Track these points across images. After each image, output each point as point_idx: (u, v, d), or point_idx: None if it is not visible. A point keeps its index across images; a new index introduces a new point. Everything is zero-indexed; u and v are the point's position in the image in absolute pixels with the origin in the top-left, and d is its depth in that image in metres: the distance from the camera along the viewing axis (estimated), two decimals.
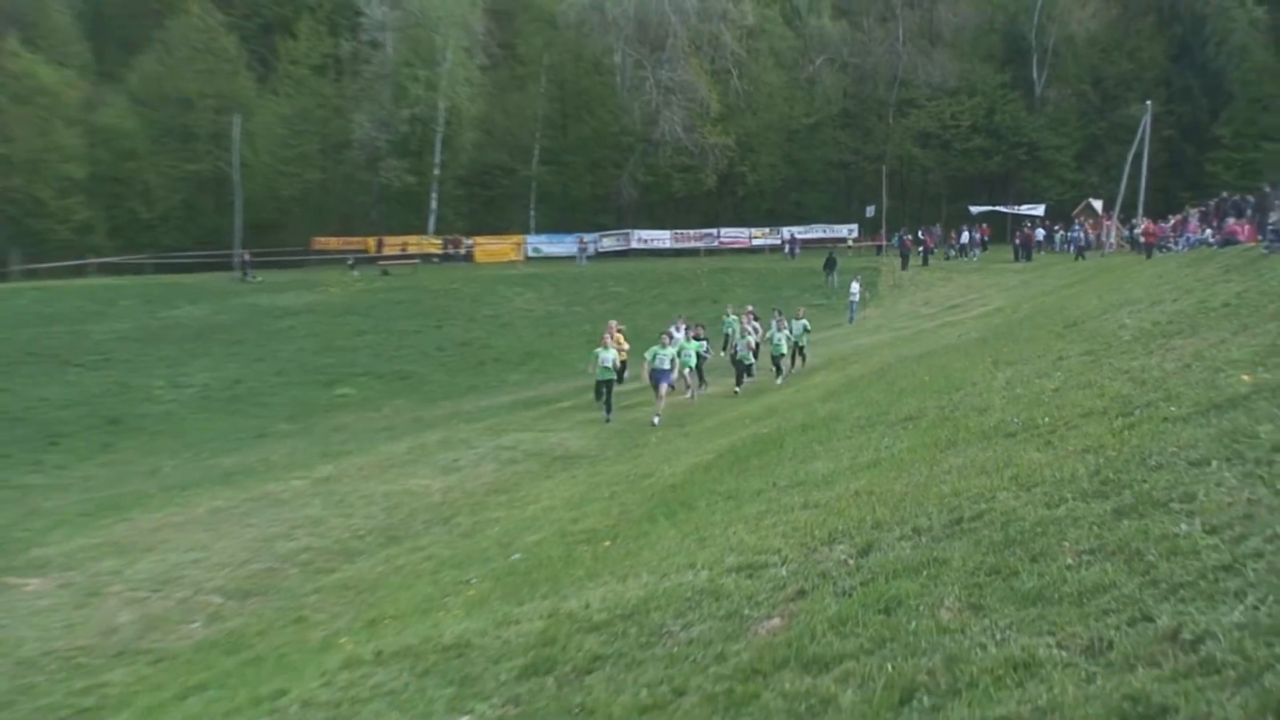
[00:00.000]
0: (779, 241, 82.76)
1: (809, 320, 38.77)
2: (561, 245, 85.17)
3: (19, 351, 54.96)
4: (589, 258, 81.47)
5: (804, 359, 37.33)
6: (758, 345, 35.59)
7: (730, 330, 39.46)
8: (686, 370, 31.87)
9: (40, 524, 19.94)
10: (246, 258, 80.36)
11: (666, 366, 29.34)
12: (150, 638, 13.18)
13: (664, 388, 28.94)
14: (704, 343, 36.11)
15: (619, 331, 34.58)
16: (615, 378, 31.10)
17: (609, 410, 29.20)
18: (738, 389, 33.42)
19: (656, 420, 27.49)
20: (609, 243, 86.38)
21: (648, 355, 29.87)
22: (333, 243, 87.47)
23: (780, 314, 38.13)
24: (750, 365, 34.66)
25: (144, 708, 10.16)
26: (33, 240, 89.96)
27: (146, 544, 16.80)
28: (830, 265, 68.62)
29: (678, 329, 35.71)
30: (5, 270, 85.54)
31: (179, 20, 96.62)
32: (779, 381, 33.28)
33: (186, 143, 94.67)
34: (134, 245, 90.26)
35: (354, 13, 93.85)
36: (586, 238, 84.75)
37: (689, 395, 32.26)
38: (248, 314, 61.88)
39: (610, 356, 30.19)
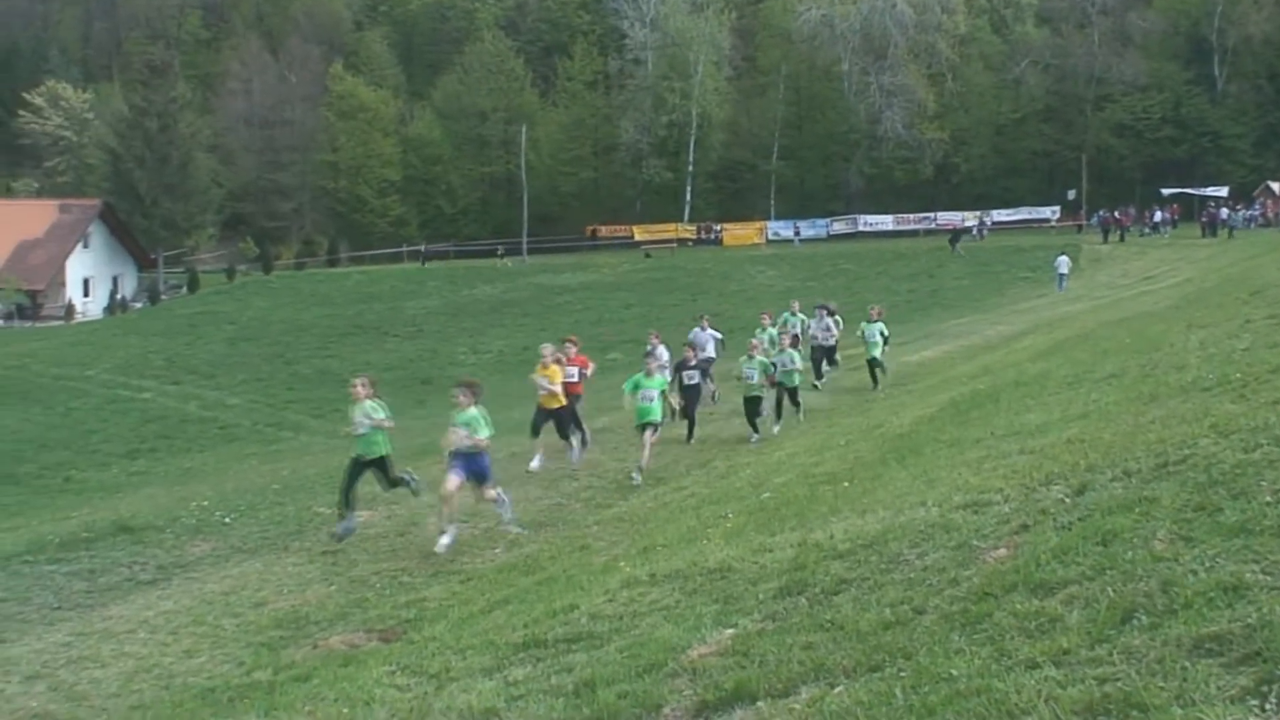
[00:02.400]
0: (970, 224, 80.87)
1: (884, 324, 27.86)
2: (799, 228, 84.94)
3: (347, 324, 56.91)
4: (802, 240, 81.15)
5: (881, 371, 26.61)
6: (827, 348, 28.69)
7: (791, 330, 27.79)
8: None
9: None
10: (423, 248, 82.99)
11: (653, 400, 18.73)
12: (460, 561, 13.47)
13: (648, 433, 18.28)
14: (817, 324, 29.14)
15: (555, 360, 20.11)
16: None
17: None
18: (816, 384, 27.09)
19: (637, 478, 17.53)
20: (839, 226, 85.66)
21: (626, 387, 19.35)
22: (604, 231, 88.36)
23: (826, 311, 29.26)
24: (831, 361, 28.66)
25: (457, 618, 10.37)
26: (357, 232, 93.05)
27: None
28: (955, 239, 69.89)
29: (663, 346, 24.70)
30: (335, 257, 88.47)
31: (475, 46, 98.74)
32: (813, 390, 25.65)
33: (482, 149, 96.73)
34: (440, 235, 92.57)
35: (620, 35, 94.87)
36: (800, 224, 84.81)
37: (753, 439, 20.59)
38: (533, 292, 62.97)
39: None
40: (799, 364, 22.22)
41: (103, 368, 50.71)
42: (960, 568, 6.70)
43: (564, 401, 19.14)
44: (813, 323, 29.17)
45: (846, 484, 11.97)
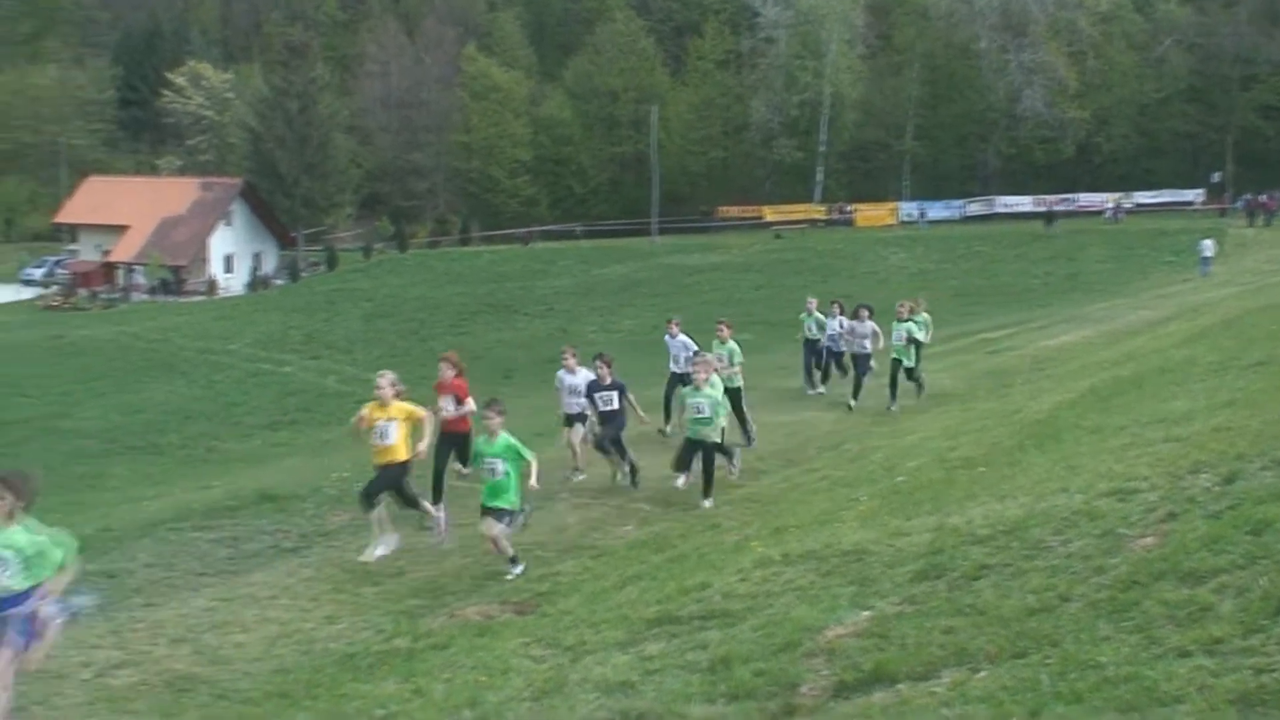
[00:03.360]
0: (1107, 207, 79.24)
1: (924, 318, 23.95)
2: (932, 211, 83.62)
3: (478, 303, 57.51)
4: (928, 223, 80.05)
5: (918, 386, 22.47)
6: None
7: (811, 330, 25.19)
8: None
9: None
10: (528, 230, 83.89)
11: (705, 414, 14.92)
12: (592, 536, 13.57)
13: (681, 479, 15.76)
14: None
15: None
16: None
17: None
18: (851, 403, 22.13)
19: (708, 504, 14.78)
20: (974, 207, 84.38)
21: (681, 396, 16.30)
22: (733, 211, 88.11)
23: (840, 308, 24.96)
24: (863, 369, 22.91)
25: (590, 593, 10.45)
26: (489, 212, 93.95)
27: (588, 460, 17.29)
28: (1050, 220, 71.01)
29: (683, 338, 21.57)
30: (467, 235, 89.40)
31: (607, 26, 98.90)
32: (892, 407, 21.75)
33: (612, 129, 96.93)
34: (570, 215, 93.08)
35: (752, 14, 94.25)
36: (934, 205, 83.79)
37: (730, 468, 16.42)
38: (663, 272, 63.02)
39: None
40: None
41: (244, 342, 51.88)
42: (1106, 555, 6.58)
43: (401, 455, 13.09)
44: (830, 323, 24.35)
45: (983, 469, 11.81)
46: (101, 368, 47.11)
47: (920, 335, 22.29)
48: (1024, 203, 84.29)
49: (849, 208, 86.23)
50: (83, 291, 79.68)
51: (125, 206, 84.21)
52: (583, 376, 16.76)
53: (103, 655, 10.13)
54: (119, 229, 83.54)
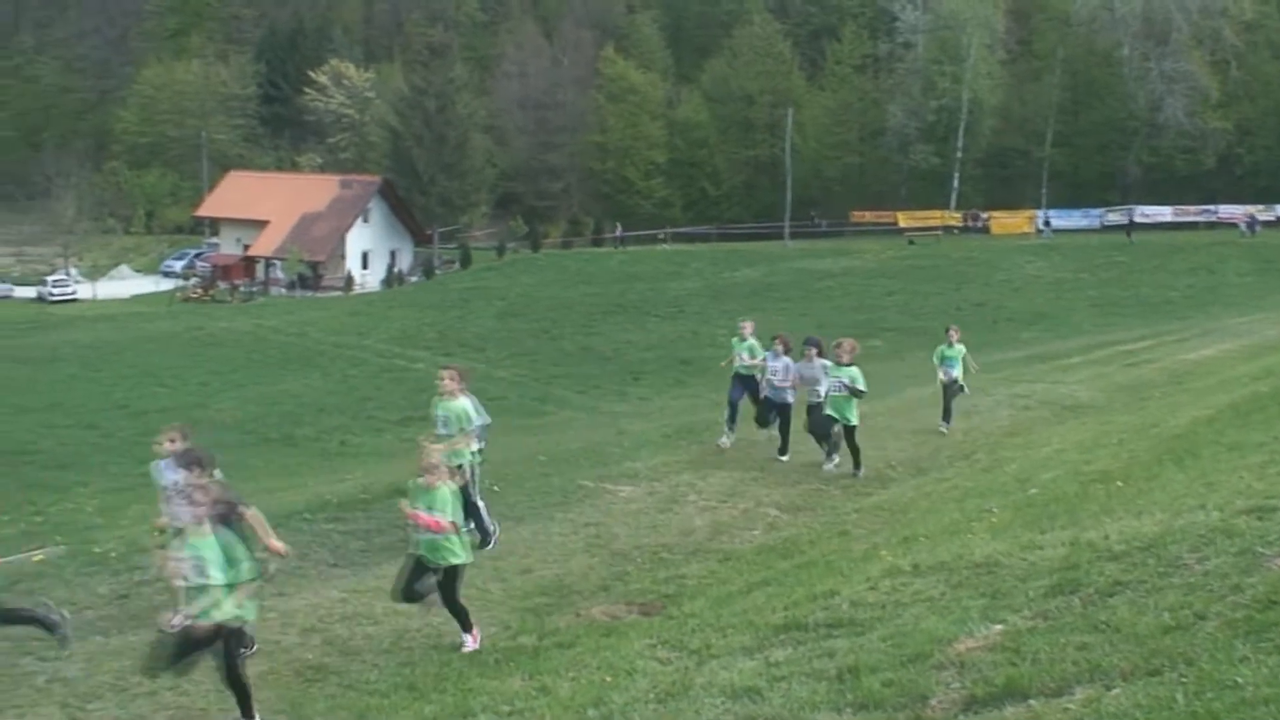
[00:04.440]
0: (1242, 220, 77.16)
1: (958, 350, 21.53)
2: (1070, 219, 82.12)
3: (609, 303, 57.77)
4: (1053, 232, 78.50)
5: (855, 457, 17.11)
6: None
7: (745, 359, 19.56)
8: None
9: (628, 443, 20.87)
10: (619, 232, 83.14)
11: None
12: (719, 540, 13.58)
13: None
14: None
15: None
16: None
17: None
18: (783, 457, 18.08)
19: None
20: (1113, 217, 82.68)
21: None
22: (867, 216, 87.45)
23: (815, 349, 18.41)
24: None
25: (716, 596, 10.47)
26: (622, 213, 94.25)
27: (716, 463, 17.36)
28: (1129, 229, 71.77)
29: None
30: (600, 236, 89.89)
31: (744, 29, 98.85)
32: (828, 467, 17.27)
33: (747, 132, 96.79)
34: (703, 218, 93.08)
35: (890, 18, 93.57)
36: (1051, 214, 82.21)
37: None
38: (794, 276, 62.76)
39: None
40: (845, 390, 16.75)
41: (379, 337, 52.74)
42: (1244, 574, 6.43)
43: None
44: (772, 363, 18.62)
45: (1120, 483, 11.59)
46: (239, 360, 48.21)
47: (862, 385, 16.97)
48: (1164, 213, 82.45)
49: (985, 215, 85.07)
50: (222, 284, 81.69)
51: (266, 202, 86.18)
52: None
53: None
54: (259, 224, 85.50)
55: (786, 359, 18.44)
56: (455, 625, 10.29)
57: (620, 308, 57.03)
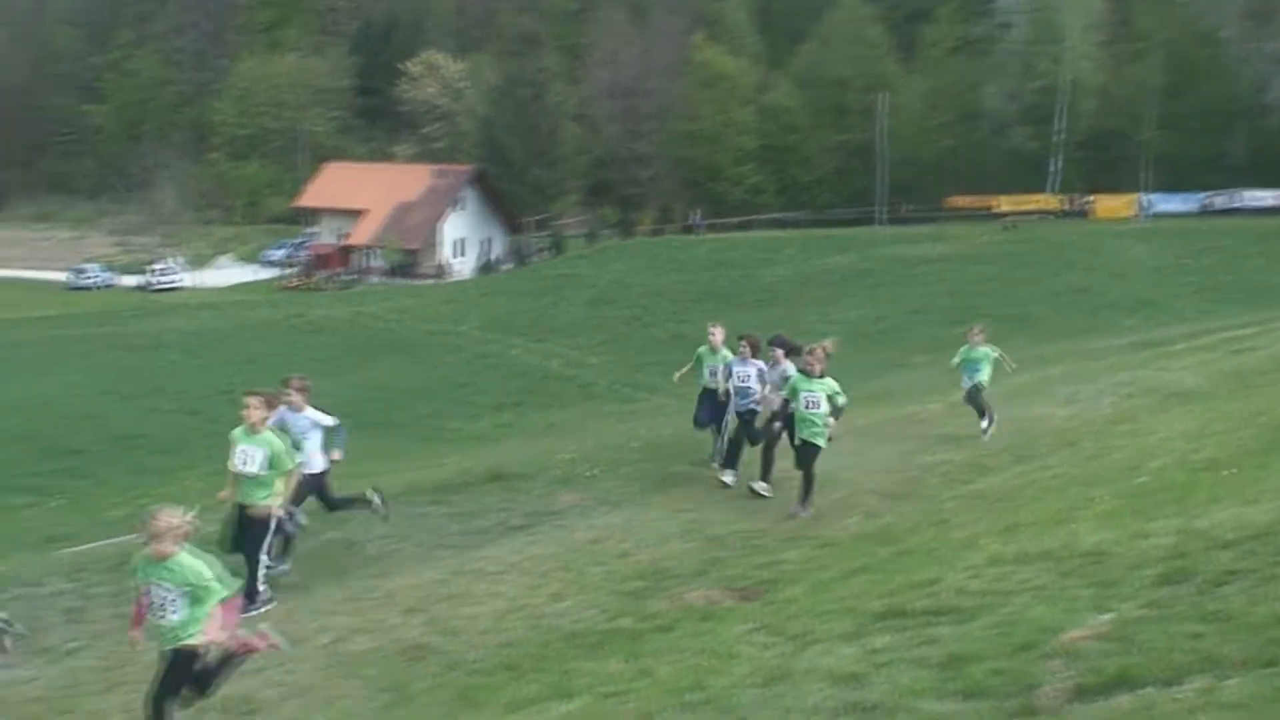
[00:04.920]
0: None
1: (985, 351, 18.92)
2: (1172, 203, 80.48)
3: (699, 291, 57.69)
4: (1149, 215, 76.91)
5: (805, 487, 14.25)
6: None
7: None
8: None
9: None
10: (696, 219, 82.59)
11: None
12: (817, 526, 13.50)
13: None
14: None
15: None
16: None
17: None
18: (726, 478, 15.63)
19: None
20: (1218, 200, 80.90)
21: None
22: (962, 200, 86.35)
23: (782, 349, 16.17)
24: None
25: (814, 583, 10.41)
26: (712, 199, 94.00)
27: None
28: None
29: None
30: (691, 224, 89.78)
31: (836, 13, 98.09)
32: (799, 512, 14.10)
33: (840, 117, 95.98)
34: (794, 204, 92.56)
35: (986, 0, 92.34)
36: (1149, 197, 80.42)
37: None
38: (888, 263, 62.19)
39: None
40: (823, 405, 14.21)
41: (472, 324, 53.11)
42: None
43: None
44: (740, 368, 16.05)
45: (1229, 472, 11.34)
46: (337, 347, 48.80)
47: (844, 399, 14.51)
48: (1269, 197, 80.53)
49: (1085, 199, 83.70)
50: (321, 273, 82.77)
51: (362, 191, 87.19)
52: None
53: (340, 622, 10.54)
54: (356, 213, 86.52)
55: (759, 363, 15.88)
56: (560, 605, 10.40)
57: (711, 295, 56.88)
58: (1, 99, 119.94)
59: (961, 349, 19.03)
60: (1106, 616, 6.50)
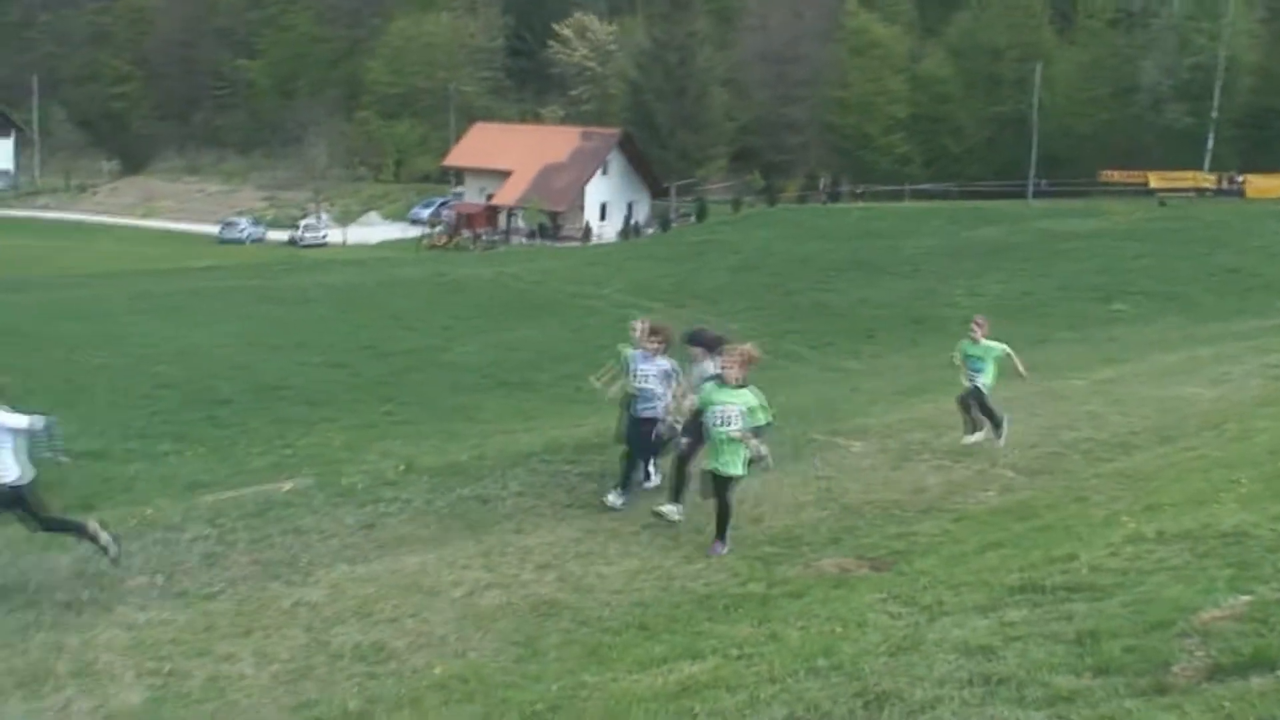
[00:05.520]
0: None
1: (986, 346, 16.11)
2: None
3: (845, 260, 57.25)
4: None
5: (722, 516, 11.65)
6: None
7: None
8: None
9: (860, 400, 20.80)
10: (826, 184, 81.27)
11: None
12: (952, 499, 13.40)
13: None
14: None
15: None
16: None
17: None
18: (615, 499, 13.26)
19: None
20: None
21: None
22: (1116, 175, 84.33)
23: (701, 348, 13.63)
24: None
25: (948, 555, 10.36)
26: (860, 168, 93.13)
27: (948, 422, 17.07)
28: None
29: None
30: (837, 191, 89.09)
31: None
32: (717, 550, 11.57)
33: (993, 87, 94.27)
34: (943, 174, 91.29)
35: None
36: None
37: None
38: (1036, 236, 61.07)
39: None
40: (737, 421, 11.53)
41: (615, 288, 53.35)
42: None
43: None
44: (637, 360, 13.67)
45: None
46: (480, 306, 49.39)
47: (765, 418, 11.63)
48: None
49: (1239, 177, 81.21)
50: (466, 233, 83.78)
51: (510, 152, 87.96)
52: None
53: (473, 576, 10.74)
54: (502, 174, 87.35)
55: (666, 362, 13.21)
56: (691, 568, 10.48)
57: (855, 264, 56.41)
58: (159, 53, 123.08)
59: (961, 343, 16.29)
60: (1244, 598, 6.41)
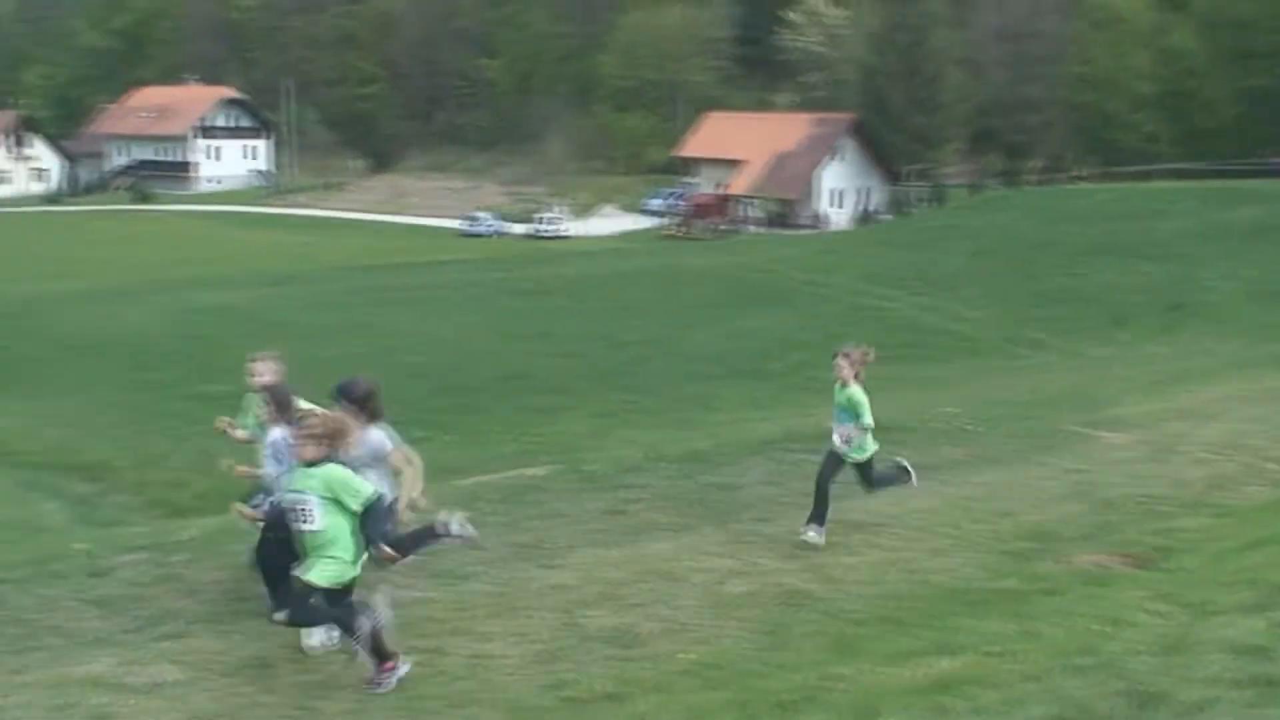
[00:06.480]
0: None
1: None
2: None
3: (1090, 243, 55.47)
4: None
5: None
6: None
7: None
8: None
9: (1113, 389, 20.10)
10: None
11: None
12: (1215, 494, 12.87)
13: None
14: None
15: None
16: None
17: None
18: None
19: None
20: None
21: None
22: None
23: (353, 403, 9.11)
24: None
25: (1213, 552, 9.96)
26: (1105, 148, 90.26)
27: (1210, 412, 16.44)
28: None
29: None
30: (1080, 174, 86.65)
31: None
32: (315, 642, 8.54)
33: (1244, 60, 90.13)
34: (1193, 153, 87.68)
35: None
36: None
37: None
38: None
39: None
40: None
41: (848, 275, 52.81)
42: None
43: None
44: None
45: None
46: (712, 295, 49.51)
47: (354, 503, 7.82)
48: None
49: None
50: (700, 222, 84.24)
51: (741, 141, 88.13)
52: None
53: (718, 564, 10.74)
54: (734, 163, 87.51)
55: (279, 432, 8.98)
56: (940, 561, 10.25)
57: (1102, 247, 54.53)
58: (403, 54, 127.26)
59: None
60: None
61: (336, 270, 61.79)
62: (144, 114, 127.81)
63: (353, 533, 7.86)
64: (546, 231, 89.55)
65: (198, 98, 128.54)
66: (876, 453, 11.76)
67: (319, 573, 7.78)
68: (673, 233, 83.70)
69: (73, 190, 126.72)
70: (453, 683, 8.09)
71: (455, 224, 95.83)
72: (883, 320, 43.77)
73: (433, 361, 35.47)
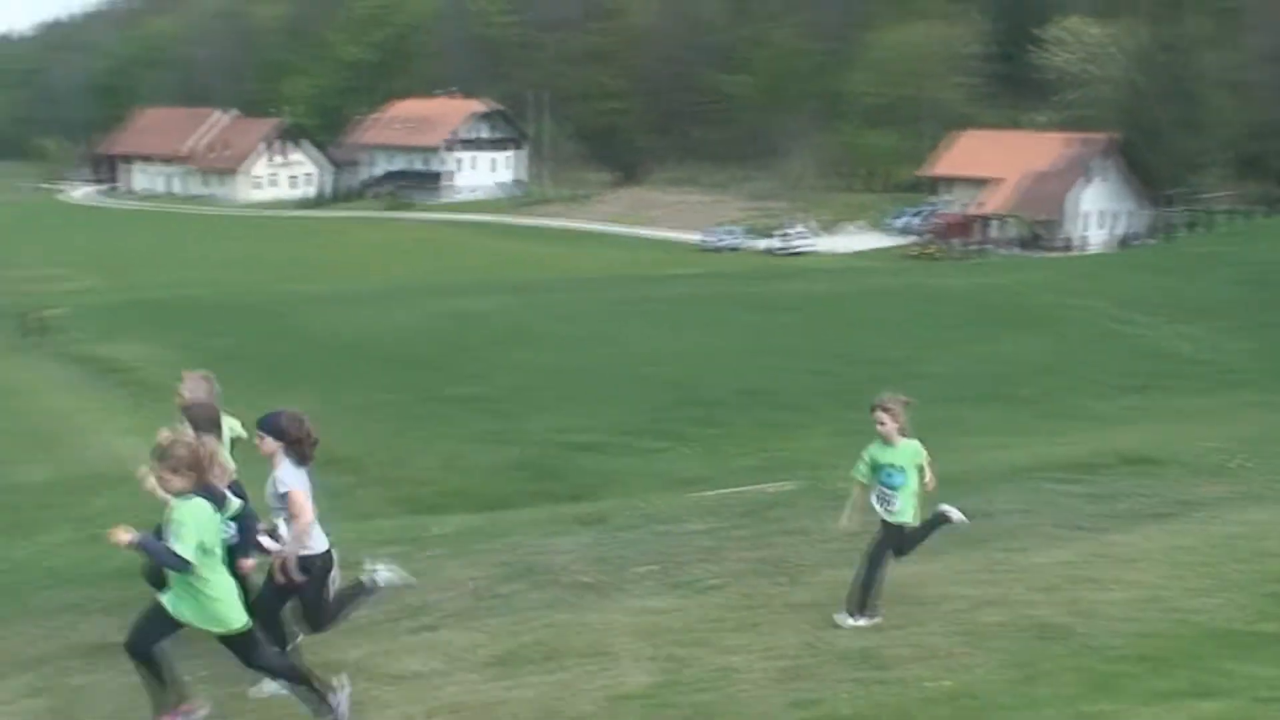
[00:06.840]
0: None
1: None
2: None
3: None
4: None
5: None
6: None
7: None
8: None
9: None
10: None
11: None
12: None
13: None
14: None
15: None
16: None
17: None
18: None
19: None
20: None
21: None
22: None
23: (277, 438, 7.97)
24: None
25: None
26: None
27: None
28: None
29: None
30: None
31: None
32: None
33: None
34: None
35: None
36: None
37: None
38: None
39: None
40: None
41: (1103, 300, 51.31)
42: None
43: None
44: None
45: None
46: (958, 316, 48.72)
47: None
48: None
49: None
50: (947, 241, 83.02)
51: (992, 160, 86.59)
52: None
53: (972, 592, 10.52)
54: (983, 181, 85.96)
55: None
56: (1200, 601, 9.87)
57: None
58: (652, 69, 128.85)
59: (871, 447, 10.14)
60: None
61: (579, 280, 63.01)
62: (400, 125, 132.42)
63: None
64: (790, 248, 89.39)
65: (452, 110, 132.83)
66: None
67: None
68: (919, 252, 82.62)
69: (334, 197, 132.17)
70: (695, 694, 8.13)
71: (694, 237, 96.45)
72: (1131, 346, 42.46)
73: (675, 374, 35.81)
